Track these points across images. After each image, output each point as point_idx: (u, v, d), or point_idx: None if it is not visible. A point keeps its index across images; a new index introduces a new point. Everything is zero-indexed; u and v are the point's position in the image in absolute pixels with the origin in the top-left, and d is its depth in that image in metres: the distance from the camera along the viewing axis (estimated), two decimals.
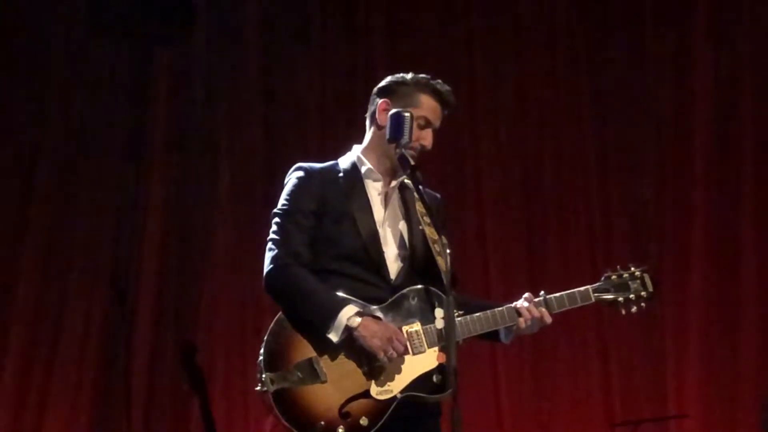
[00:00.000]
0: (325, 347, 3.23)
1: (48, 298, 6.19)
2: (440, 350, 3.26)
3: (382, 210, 3.42)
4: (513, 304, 3.38)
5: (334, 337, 3.20)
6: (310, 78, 6.35)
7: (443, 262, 3.18)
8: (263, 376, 3.21)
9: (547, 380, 5.88)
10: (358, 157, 3.47)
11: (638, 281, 3.46)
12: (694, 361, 5.70)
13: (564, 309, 3.40)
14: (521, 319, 3.36)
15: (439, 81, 3.46)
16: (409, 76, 3.46)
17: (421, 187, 3.34)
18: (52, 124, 6.34)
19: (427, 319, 3.31)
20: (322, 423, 3.18)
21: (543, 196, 6.06)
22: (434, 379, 3.25)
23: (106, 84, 6.42)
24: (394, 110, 3.34)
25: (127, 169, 6.40)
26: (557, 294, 3.40)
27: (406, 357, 3.25)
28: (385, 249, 3.36)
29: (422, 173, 3.34)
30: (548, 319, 3.39)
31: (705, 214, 5.81)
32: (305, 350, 3.23)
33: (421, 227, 3.39)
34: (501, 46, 6.21)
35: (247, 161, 6.35)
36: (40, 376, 6.09)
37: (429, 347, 3.27)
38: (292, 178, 3.44)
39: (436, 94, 3.43)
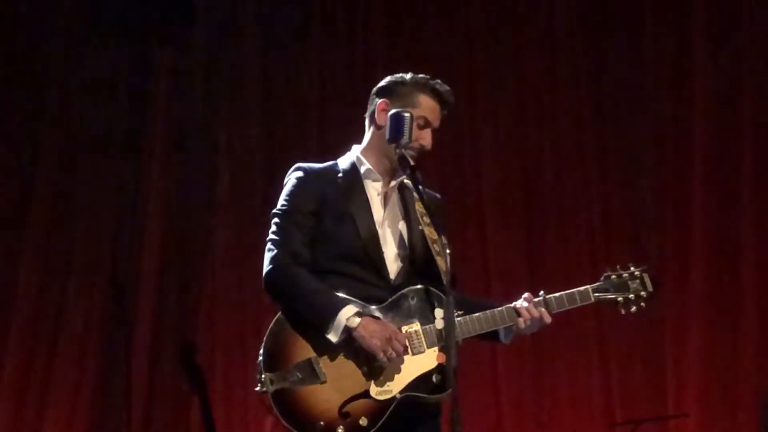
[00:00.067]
0: (324, 347, 3.23)
1: (48, 298, 6.19)
2: (440, 350, 3.26)
3: (382, 210, 3.42)
4: (512, 304, 3.38)
5: (333, 337, 3.20)
6: (310, 77, 6.35)
7: (443, 262, 3.18)
8: (263, 376, 3.21)
9: (547, 380, 5.87)
10: (358, 157, 3.47)
11: (638, 281, 3.46)
12: (694, 361, 5.68)
13: (564, 309, 3.40)
14: (521, 319, 3.36)
15: (439, 81, 3.46)
16: (409, 76, 3.46)
17: (420, 187, 3.34)
18: (52, 124, 6.34)
19: (427, 319, 3.31)
20: (322, 423, 3.18)
21: (543, 196, 6.05)
22: (434, 379, 3.25)
23: (106, 83, 6.41)
24: (393, 110, 3.33)
25: (127, 169, 6.40)
26: (557, 294, 3.40)
27: (406, 357, 3.25)
28: (384, 249, 3.36)
29: (422, 173, 3.34)
30: (548, 319, 3.38)
31: (705, 214, 5.80)
32: (305, 350, 3.23)
33: (420, 227, 3.39)
34: (501, 46, 6.20)
35: (247, 161, 6.34)
36: (39, 376, 6.08)
37: (428, 347, 3.28)
38: (291, 179, 3.44)
39: (436, 94, 3.42)
